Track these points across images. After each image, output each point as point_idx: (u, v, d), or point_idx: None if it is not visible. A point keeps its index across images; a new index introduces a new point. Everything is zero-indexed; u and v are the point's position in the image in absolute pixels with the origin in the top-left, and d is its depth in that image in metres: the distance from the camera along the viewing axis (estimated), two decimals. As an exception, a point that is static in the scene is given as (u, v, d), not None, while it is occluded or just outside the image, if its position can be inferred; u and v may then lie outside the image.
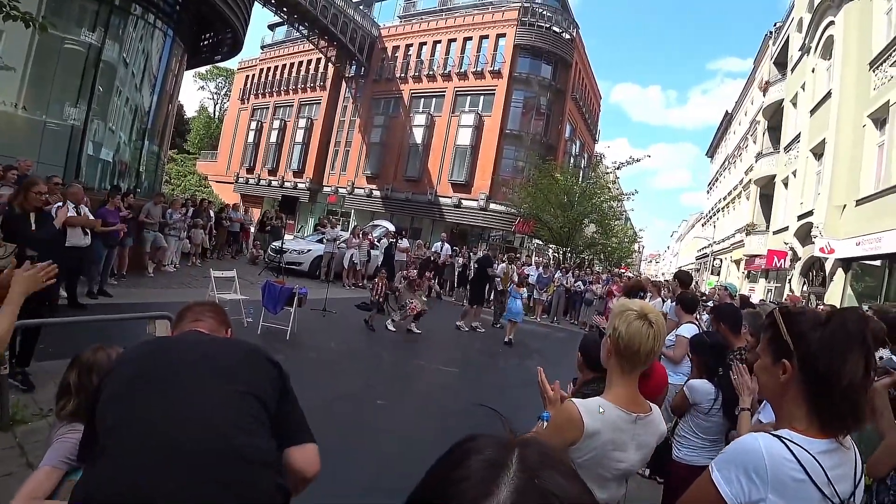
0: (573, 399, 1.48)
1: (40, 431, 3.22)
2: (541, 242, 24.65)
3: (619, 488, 1.55)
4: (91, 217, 6.86)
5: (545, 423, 1.48)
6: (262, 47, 42.31)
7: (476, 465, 0.50)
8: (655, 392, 2.60)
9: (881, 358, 2.79)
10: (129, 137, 12.25)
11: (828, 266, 13.38)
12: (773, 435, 1.12)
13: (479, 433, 0.57)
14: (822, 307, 9.26)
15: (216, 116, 52.39)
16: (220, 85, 53.79)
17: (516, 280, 10.33)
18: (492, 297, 12.39)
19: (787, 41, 21.08)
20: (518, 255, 20.04)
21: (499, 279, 11.73)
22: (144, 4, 11.42)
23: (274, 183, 36.70)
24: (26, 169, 7.19)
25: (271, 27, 41.73)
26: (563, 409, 1.47)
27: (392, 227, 17.95)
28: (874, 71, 12.49)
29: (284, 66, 39.05)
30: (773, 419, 1.31)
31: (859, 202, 12.30)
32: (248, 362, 1.36)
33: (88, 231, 6.63)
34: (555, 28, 28.51)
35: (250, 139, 39.72)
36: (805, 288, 15.19)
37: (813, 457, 1.06)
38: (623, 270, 22.86)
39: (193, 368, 1.27)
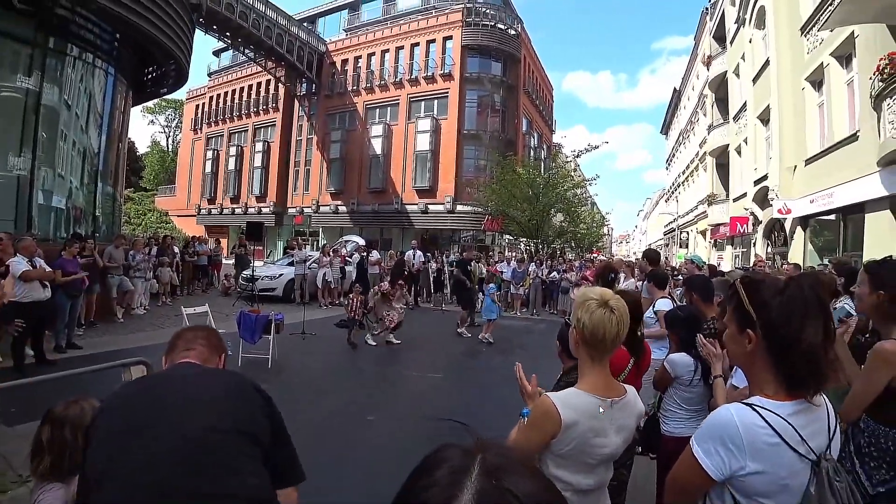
0: (548, 393, 1.51)
1: (21, 499, 3.09)
2: (511, 237, 24.84)
3: (607, 472, 1.59)
4: (48, 269, 6.62)
5: (524, 419, 1.51)
6: (209, 74, 41.60)
7: (442, 472, 0.55)
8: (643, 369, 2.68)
9: (835, 309, 2.92)
10: (81, 181, 11.86)
11: (787, 226, 13.89)
12: (745, 403, 1.16)
13: (449, 443, 0.61)
14: (786, 266, 9.63)
15: (170, 150, 51.26)
16: (169, 117, 52.67)
17: (485, 277, 10.37)
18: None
19: (723, 15, 21.84)
20: (490, 253, 20.17)
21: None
22: (81, 44, 11.09)
23: (237, 210, 36.11)
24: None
25: (216, 53, 41.04)
26: (538, 405, 1.50)
27: (362, 241, 17.86)
28: (805, 36, 13.03)
29: (234, 91, 38.47)
30: (746, 383, 1.36)
31: (808, 161, 12.81)
32: (235, 397, 1.35)
33: (48, 283, 6.41)
34: (499, 25, 28.85)
35: (208, 169, 38.98)
36: (769, 249, 15.73)
37: (783, 419, 1.11)
38: (595, 255, 23.22)
39: (180, 412, 1.25)
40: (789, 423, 1.11)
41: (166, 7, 11.21)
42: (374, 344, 8.69)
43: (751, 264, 14.58)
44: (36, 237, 7.41)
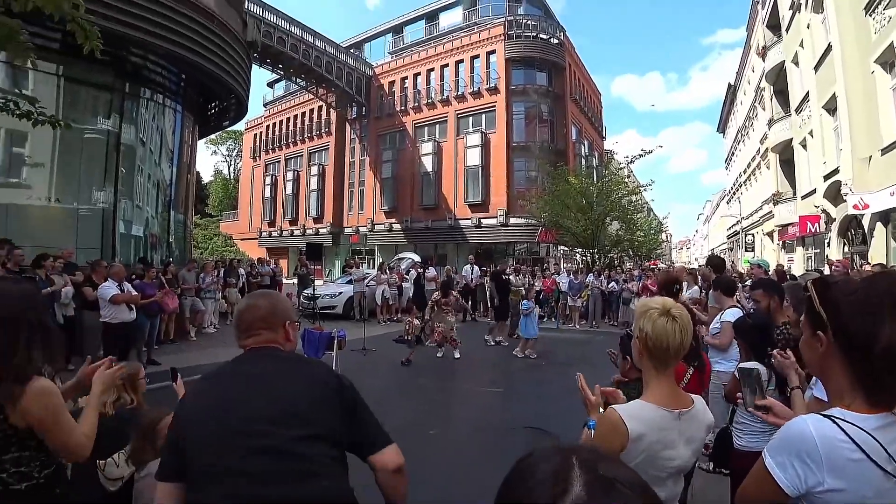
0: (614, 406, 1.51)
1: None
2: (566, 248, 24.45)
3: (676, 485, 1.57)
4: (134, 293, 7.19)
5: (592, 432, 1.52)
6: (265, 104, 43.78)
7: (544, 471, 0.58)
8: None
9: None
10: (156, 211, 12.82)
11: (865, 222, 12.93)
12: (824, 415, 1.08)
13: (537, 447, 0.65)
14: (867, 267, 8.93)
15: (231, 177, 54.09)
16: (230, 147, 55.64)
17: (522, 293, 10.20)
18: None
19: (775, 2, 20.82)
20: (545, 266, 19.93)
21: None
22: (152, 87, 12.07)
23: (296, 232, 37.47)
24: (68, 257, 7.59)
25: (270, 84, 43.26)
26: (605, 418, 1.50)
27: (417, 258, 18.09)
28: (871, 15, 12.22)
29: (288, 118, 40.23)
30: (825, 392, 1.28)
31: (884, 150, 11.91)
32: (312, 399, 1.41)
33: (133, 306, 6.95)
34: (542, 35, 28.79)
35: (267, 194, 40.79)
36: (846, 249, 14.68)
37: (868, 433, 1.02)
38: (652, 265, 22.47)
39: (256, 419, 1.33)
40: (875, 439, 1.02)
41: (226, 47, 12.00)
42: (440, 356, 8.80)
43: (825, 266, 13.68)
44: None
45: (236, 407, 1.36)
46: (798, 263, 19.13)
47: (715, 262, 5.96)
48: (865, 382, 1.08)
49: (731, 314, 4.14)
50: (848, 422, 1.04)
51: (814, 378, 2.07)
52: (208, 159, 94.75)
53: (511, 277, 12.31)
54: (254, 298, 1.68)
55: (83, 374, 1.95)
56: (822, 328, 1.15)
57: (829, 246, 15.75)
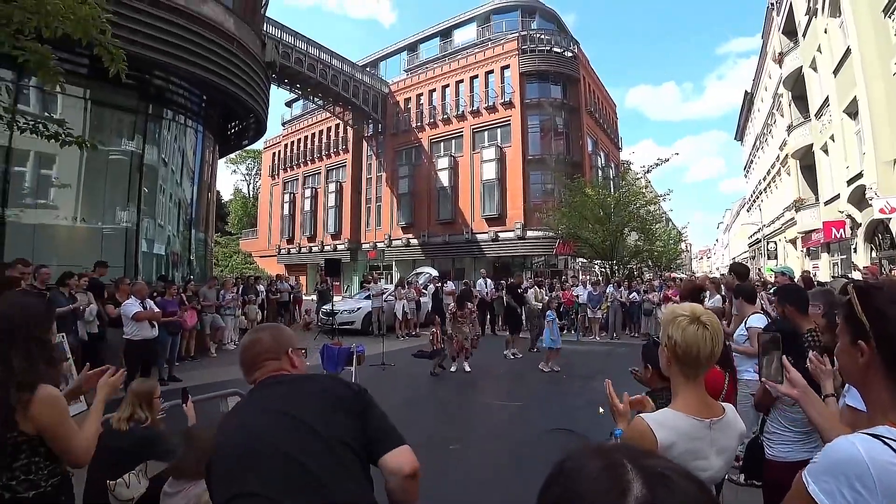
0: (642, 414, 1.47)
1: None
2: (585, 260, 24.27)
3: (710, 495, 1.51)
4: (157, 310, 7.31)
5: (618, 440, 1.48)
6: (283, 124, 44.59)
7: (596, 472, 0.53)
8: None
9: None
10: (177, 229, 13.06)
11: (893, 226, 12.60)
12: (871, 434, 0.98)
13: (573, 448, 0.59)
14: (896, 272, 8.69)
15: (251, 196, 55.00)
16: (249, 166, 56.68)
17: (541, 305, 10.10)
18: (524, 321, 12.35)
19: (791, 8, 20.66)
20: (563, 278, 19.77)
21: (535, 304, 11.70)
22: (174, 108, 12.37)
23: (314, 249, 37.86)
24: (101, 275, 7.76)
25: (288, 104, 44.13)
26: (634, 426, 1.46)
27: (435, 273, 18.10)
28: (890, 17, 12.05)
29: (306, 137, 40.89)
30: (860, 401, 1.21)
31: (910, 154, 11.66)
32: (328, 410, 1.43)
33: (155, 323, 7.05)
34: (556, 49, 28.98)
35: (286, 211, 41.35)
36: (874, 254, 14.30)
37: None
38: (670, 276, 22.11)
39: (283, 439, 1.35)
40: None
41: (246, 68, 12.27)
42: (454, 370, 8.73)
43: (853, 272, 13.31)
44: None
45: (258, 433, 1.38)
46: (823, 270, 18.66)
47: (738, 269, 5.79)
48: None
49: (758, 320, 4.04)
50: None
51: (847, 385, 1.98)
52: (228, 178, 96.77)
53: (530, 291, 12.22)
54: (255, 333, 1.71)
55: (82, 380, 2.00)
56: (864, 337, 1.08)
57: (855, 251, 15.36)
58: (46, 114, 8.98)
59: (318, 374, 1.76)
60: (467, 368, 8.91)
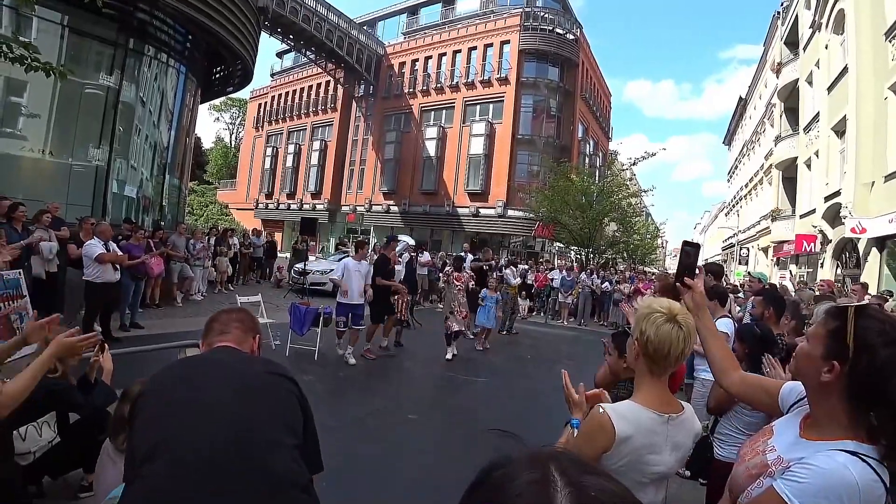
0: (602, 405, 1.45)
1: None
2: (562, 245, 24.46)
3: (658, 492, 1.51)
4: (120, 253, 7.07)
5: (574, 430, 1.45)
6: (272, 75, 43.27)
7: (522, 486, 0.49)
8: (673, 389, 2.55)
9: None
10: (151, 173, 12.62)
11: (861, 246, 12.96)
12: (849, 452, 1.02)
13: (507, 454, 0.56)
14: (853, 288, 8.95)
15: (233, 146, 53.56)
16: (234, 115, 55.04)
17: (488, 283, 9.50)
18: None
19: (796, 20, 20.68)
20: (541, 261, 19.87)
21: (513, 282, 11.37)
22: (157, 45, 11.80)
23: (293, 206, 37.29)
24: (55, 211, 7.42)
25: (279, 55, 42.70)
26: (592, 416, 1.44)
27: (412, 242, 17.97)
28: (891, 41, 12.15)
29: (295, 91, 39.82)
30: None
31: (888, 177, 11.90)
32: (276, 388, 1.40)
33: (118, 266, 6.83)
34: (558, 30, 28.52)
35: (267, 165, 40.50)
36: (839, 271, 14.73)
37: (883, 466, 1.00)
38: (642, 269, 22.46)
39: (226, 397, 1.30)
40: (885, 470, 0.99)
41: (235, 10, 11.75)
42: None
43: (816, 285, 13.69)
44: (111, 223, 7.87)
45: (197, 385, 1.34)
46: (789, 281, 19.19)
47: (713, 269, 5.81)
48: (867, 425, 1.04)
49: (724, 324, 4.09)
50: (873, 458, 1.00)
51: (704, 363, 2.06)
52: (211, 125, 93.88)
53: (507, 271, 12.14)
54: (230, 308, 1.75)
55: (30, 329, 1.88)
56: (841, 360, 1.07)
57: (822, 266, 15.80)
58: (16, 36, 8.47)
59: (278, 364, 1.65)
60: (469, 335, 9.01)
